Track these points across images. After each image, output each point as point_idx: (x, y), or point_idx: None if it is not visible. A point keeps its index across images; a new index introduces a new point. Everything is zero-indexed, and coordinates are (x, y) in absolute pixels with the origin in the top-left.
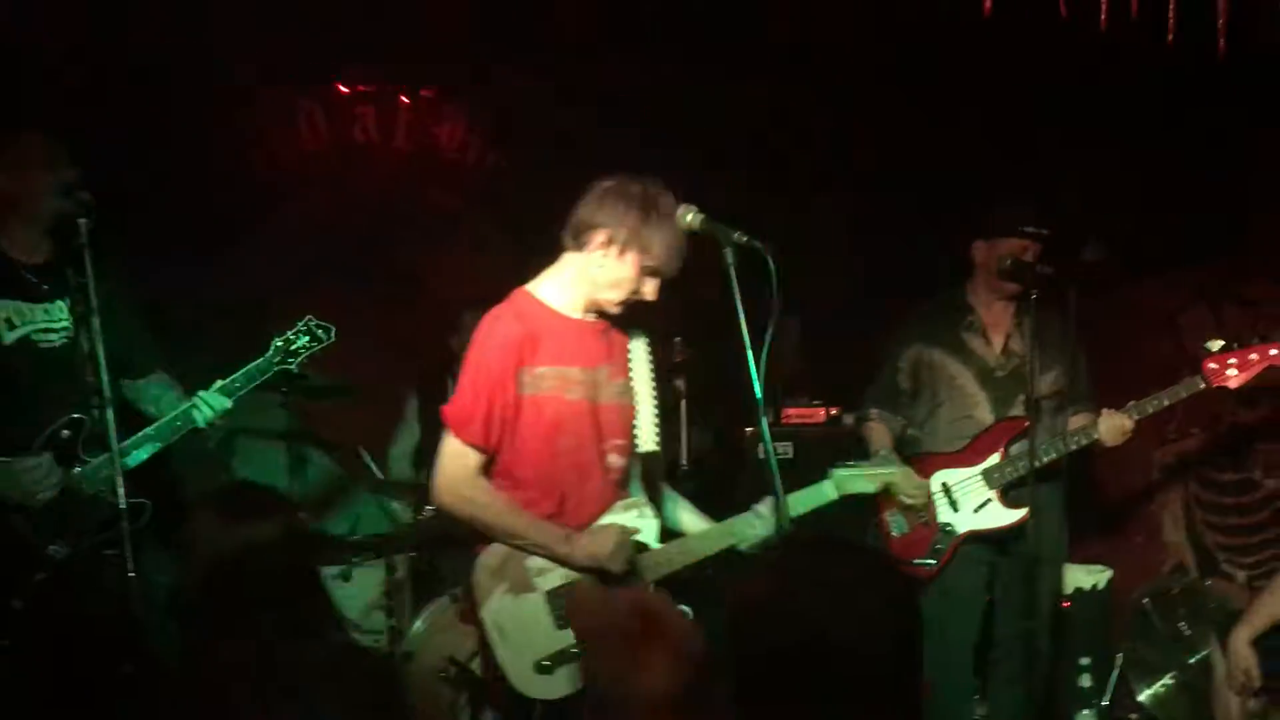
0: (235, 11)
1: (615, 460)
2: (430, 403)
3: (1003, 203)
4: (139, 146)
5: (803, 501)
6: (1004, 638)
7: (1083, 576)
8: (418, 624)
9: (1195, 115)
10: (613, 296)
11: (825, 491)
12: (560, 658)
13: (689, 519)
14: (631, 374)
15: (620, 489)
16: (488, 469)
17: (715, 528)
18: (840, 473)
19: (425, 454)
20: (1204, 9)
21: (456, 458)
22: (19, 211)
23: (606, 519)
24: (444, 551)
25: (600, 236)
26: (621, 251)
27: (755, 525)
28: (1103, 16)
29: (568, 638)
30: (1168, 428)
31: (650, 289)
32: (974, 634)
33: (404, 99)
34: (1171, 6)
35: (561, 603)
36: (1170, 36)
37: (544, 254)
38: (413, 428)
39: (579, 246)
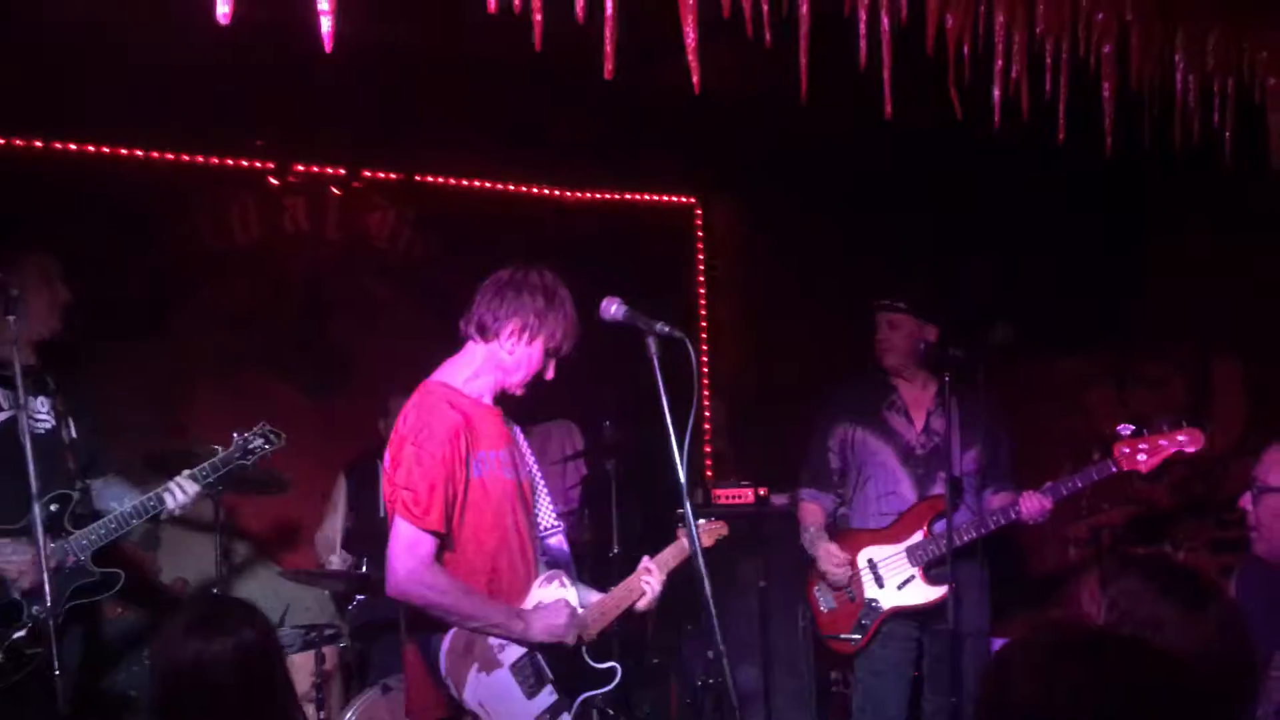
0: (163, 105)
1: (534, 533)
2: (362, 488)
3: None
4: (70, 233)
5: (673, 556)
6: (931, 713)
7: None
8: (348, 715)
9: (1095, 207)
10: (519, 379)
11: (682, 546)
12: None
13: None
14: (523, 455)
15: (537, 560)
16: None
17: (618, 588)
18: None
19: (355, 539)
20: (1090, 113)
21: (415, 546)
22: (35, 316)
23: (536, 590)
24: (375, 641)
25: (510, 326)
26: (531, 339)
27: (651, 583)
28: (995, 118)
29: (541, 703)
30: (1080, 503)
31: (550, 369)
32: (903, 708)
33: (334, 190)
34: (1060, 110)
35: (526, 673)
36: (1060, 136)
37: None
38: (339, 511)
39: (486, 337)
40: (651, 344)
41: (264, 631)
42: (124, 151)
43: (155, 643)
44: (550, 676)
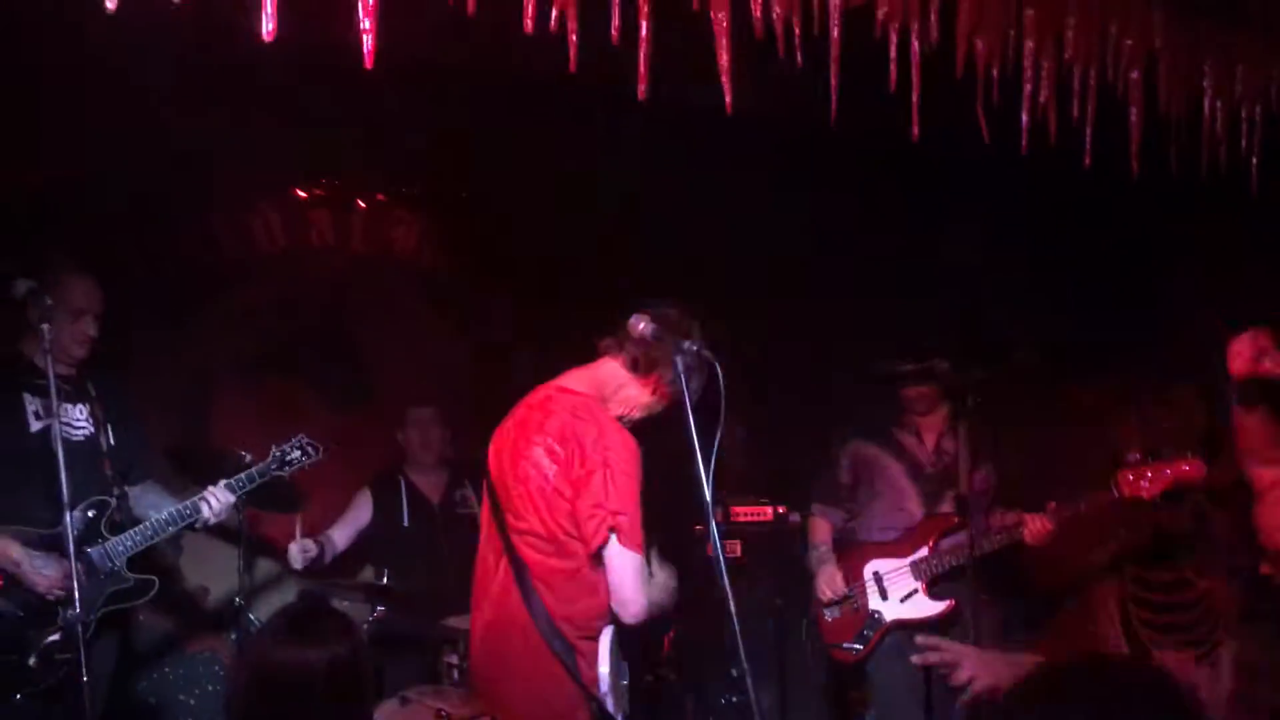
0: (190, 117)
1: None
2: (384, 498)
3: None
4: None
5: None
6: None
7: None
8: None
9: (1118, 229)
10: (635, 418)
11: None
12: None
13: None
14: None
15: None
16: None
17: None
18: None
19: (378, 550)
20: (1117, 135)
21: (641, 571)
22: (68, 337)
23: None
24: (393, 653)
25: (665, 374)
26: (668, 392)
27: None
28: (1024, 141)
29: (625, 675)
30: (1099, 529)
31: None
32: (919, 716)
33: (360, 203)
34: (1088, 133)
35: (619, 651)
36: (1087, 160)
37: (493, 355)
38: (351, 520)
39: (637, 373)
40: (679, 362)
41: (358, 646)
42: (154, 160)
43: (245, 645)
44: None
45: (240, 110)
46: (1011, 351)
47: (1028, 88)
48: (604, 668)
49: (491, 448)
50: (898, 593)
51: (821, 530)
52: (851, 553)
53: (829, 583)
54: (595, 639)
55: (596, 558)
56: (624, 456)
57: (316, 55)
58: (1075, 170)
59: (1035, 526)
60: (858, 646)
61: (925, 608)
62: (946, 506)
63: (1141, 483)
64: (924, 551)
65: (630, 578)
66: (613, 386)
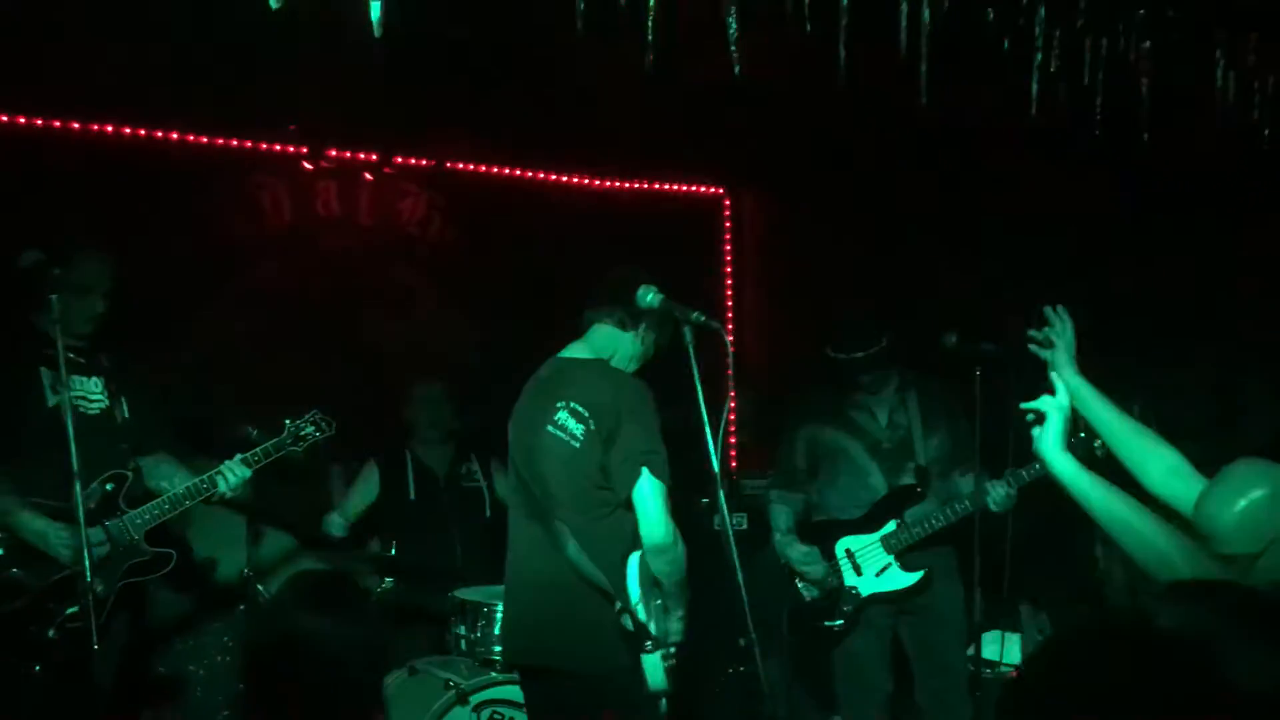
0: (204, 86)
1: None
2: (391, 471)
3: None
4: (106, 214)
5: None
6: (924, 697)
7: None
8: None
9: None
10: (634, 370)
11: None
12: None
13: None
14: None
15: None
16: None
17: None
18: None
19: (385, 522)
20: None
21: (667, 502)
22: (75, 313)
23: None
24: (400, 624)
25: (650, 323)
26: (654, 339)
27: None
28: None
29: None
30: None
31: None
32: (885, 682)
33: (367, 175)
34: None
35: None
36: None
37: (500, 331)
38: (365, 491)
39: (627, 329)
40: (686, 333)
41: (373, 618)
42: (159, 134)
43: (264, 614)
44: None
45: (245, 75)
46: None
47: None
48: (635, 591)
49: (512, 424)
50: (872, 568)
51: (783, 517)
52: (821, 532)
53: (807, 561)
54: (623, 572)
55: (627, 501)
56: (643, 403)
57: (321, 26)
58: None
59: (997, 493)
60: (839, 622)
61: (901, 579)
62: (907, 478)
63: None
64: (893, 525)
65: (659, 503)
66: (610, 347)
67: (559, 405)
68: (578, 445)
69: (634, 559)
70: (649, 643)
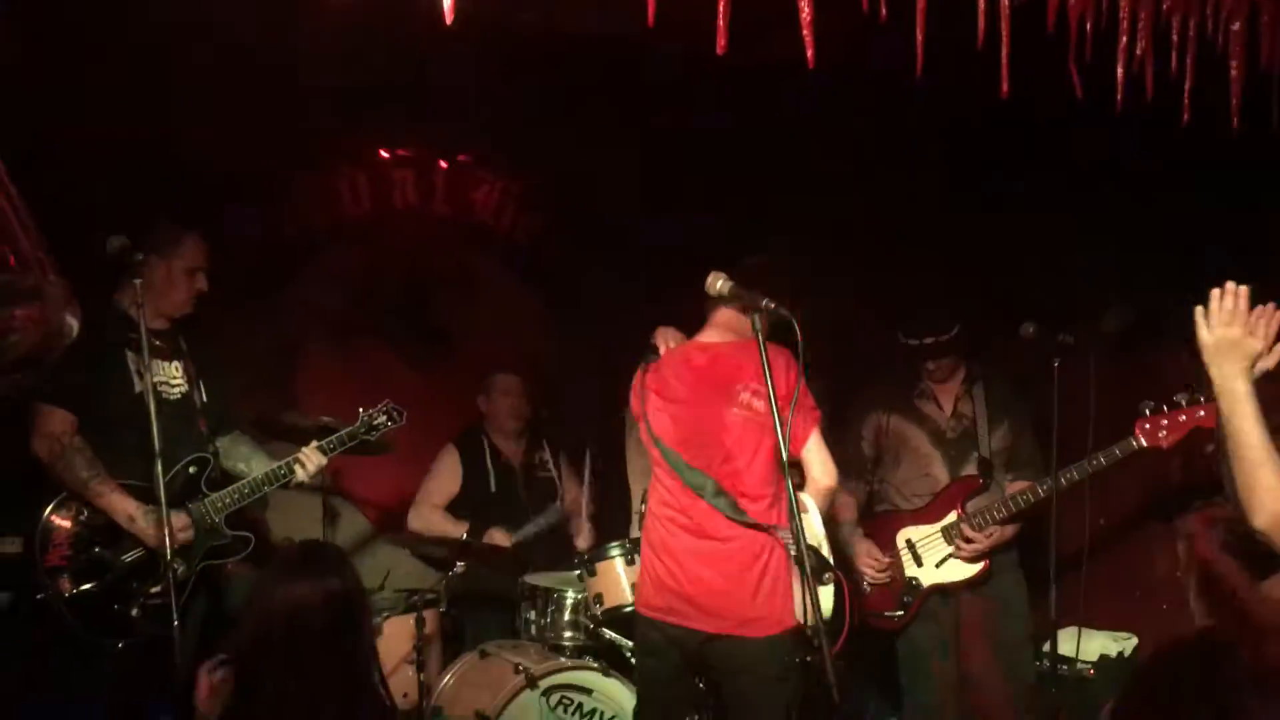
0: (281, 79)
1: None
2: (468, 458)
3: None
4: (187, 203)
5: None
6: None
7: (1109, 643)
8: (447, 679)
9: (1217, 189)
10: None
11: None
12: None
13: None
14: None
15: None
16: None
17: None
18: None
19: (461, 508)
20: (1216, 91)
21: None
22: (164, 295)
23: None
24: (473, 608)
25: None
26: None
27: None
28: (1119, 98)
29: None
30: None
31: None
32: (949, 672)
33: (442, 164)
34: (1186, 89)
35: None
36: (1185, 116)
37: (572, 320)
38: (442, 479)
39: (736, 307)
40: (756, 320)
41: (352, 580)
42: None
43: (253, 585)
44: None
45: (324, 70)
46: (1105, 314)
47: (1123, 40)
48: (819, 527)
49: (663, 419)
50: (932, 558)
51: (847, 507)
52: (882, 522)
53: (869, 554)
54: (785, 526)
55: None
56: (798, 368)
57: (396, 17)
58: (1174, 127)
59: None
60: (900, 613)
61: (961, 570)
62: (969, 468)
63: (1160, 432)
64: (953, 516)
65: (828, 451)
66: (738, 328)
67: (737, 388)
68: (766, 418)
69: (812, 505)
70: (827, 575)
